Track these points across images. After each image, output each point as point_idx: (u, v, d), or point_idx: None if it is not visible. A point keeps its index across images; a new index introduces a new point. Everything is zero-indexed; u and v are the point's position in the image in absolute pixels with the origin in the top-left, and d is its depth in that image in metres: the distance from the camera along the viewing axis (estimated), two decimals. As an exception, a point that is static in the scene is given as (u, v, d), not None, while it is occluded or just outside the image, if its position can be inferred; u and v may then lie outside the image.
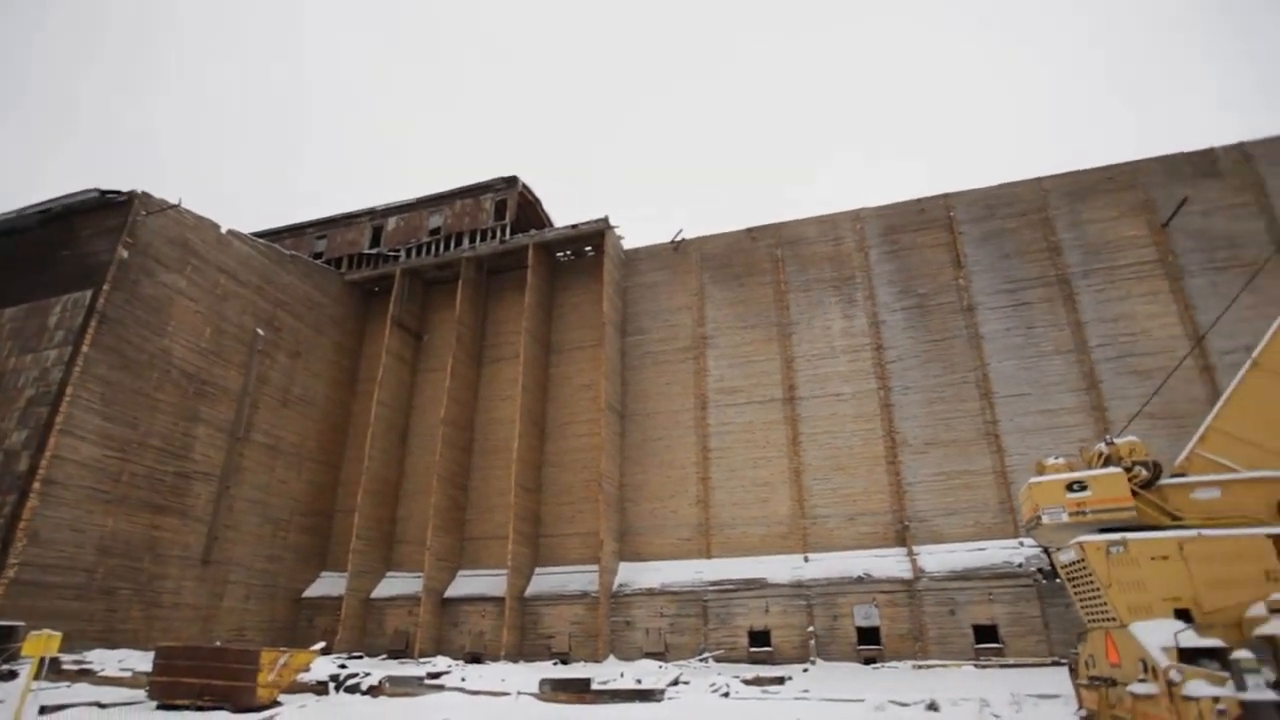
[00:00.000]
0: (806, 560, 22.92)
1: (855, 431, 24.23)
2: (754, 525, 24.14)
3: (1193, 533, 7.64)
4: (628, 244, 30.21)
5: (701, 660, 21.46)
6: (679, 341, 27.81)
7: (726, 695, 15.13)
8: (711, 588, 22.98)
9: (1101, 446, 8.95)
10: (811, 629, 21.44)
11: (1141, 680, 7.06)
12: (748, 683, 16.34)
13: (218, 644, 15.99)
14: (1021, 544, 20.84)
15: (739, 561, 23.59)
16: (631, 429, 27.02)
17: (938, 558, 21.63)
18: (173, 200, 23.56)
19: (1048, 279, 24.16)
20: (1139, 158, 24.81)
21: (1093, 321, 23.10)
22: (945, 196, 26.51)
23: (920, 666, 19.63)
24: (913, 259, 26.02)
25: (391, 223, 33.20)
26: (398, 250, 32.20)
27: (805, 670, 19.42)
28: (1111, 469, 8.44)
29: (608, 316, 27.31)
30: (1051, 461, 9.17)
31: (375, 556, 27.23)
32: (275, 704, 13.54)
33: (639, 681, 15.78)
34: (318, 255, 33.46)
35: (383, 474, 28.23)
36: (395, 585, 26.71)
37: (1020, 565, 20.44)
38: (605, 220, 28.63)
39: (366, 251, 32.81)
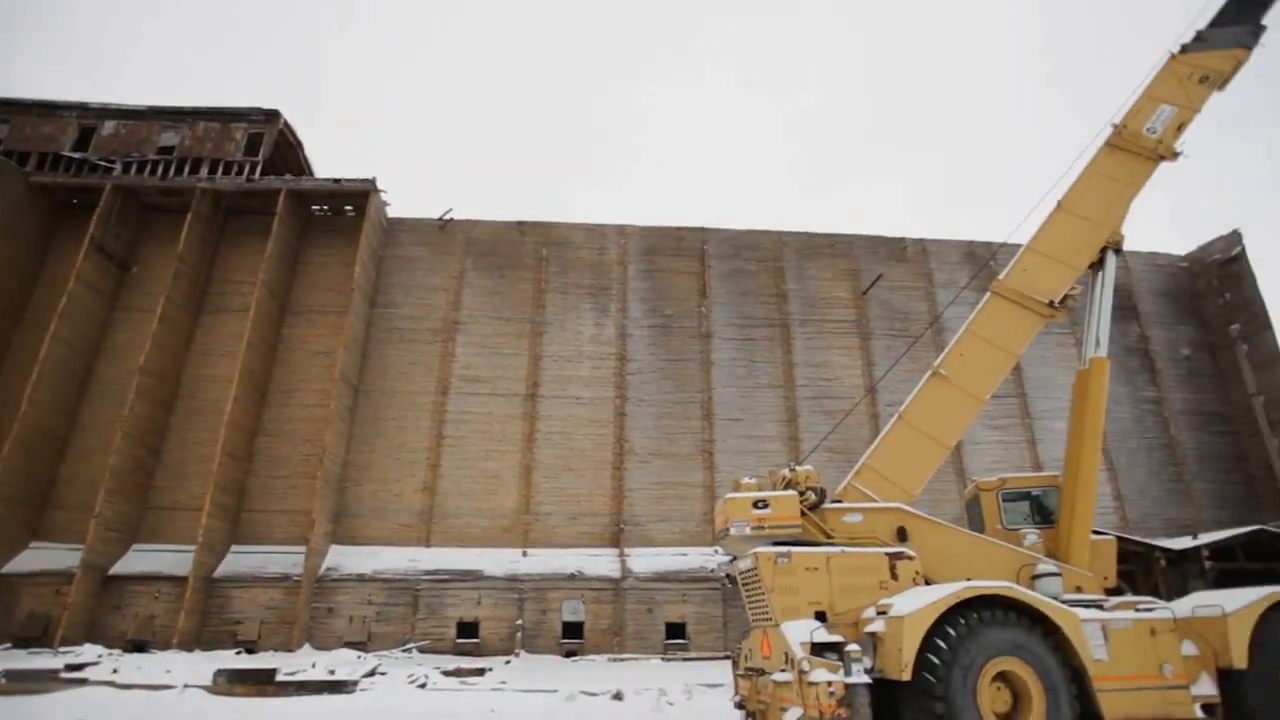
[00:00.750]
0: (525, 555, 23.44)
1: (588, 435, 25.37)
2: (478, 517, 24.15)
3: (838, 549, 9.20)
4: (392, 213, 28.65)
5: (405, 651, 20.92)
6: (430, 322, 26.96)
7: (424, 686, 14.96)
8: (426, 577, 22.52)
9: (785, 472, 10.42)
10: (520, 622, 21.95)
11: (783, 670, 8.31)
12: (448, 674, 16.29)
13: None
14: (717, 552, 23.33)
15: (458, 552, 23.42)
16: (365, 405, 25.58)
17: (645, 560, 23.40)
18: None
19: (772, 321, 27.52)
20: (854, 233, 29.35)
21: (801, 365, 26.80)
22: (703, 230, 28.95)
23: (616, 660, 21.07)
24: (665, 281, 28.01)
25: (108, 126, 27.93)
26: (113, 161, 27.15)
27: (508, 662, 19.84)
28: (789, 492, 9.86)
29: (358, 283, 25.63)
30: (746, 481, 10.43)
31: (17, 522, 22.55)
32: None
33: (332, 672, 15.00)
34: (-8, 144, 27.01)
35: (46, 423, 23.51)
36: (41, 558, 22.38)
37: (713, 571, 22.88)
38: (372, 182, 26.92)
39: (68, 154, 27.22)
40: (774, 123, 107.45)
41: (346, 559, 22.96)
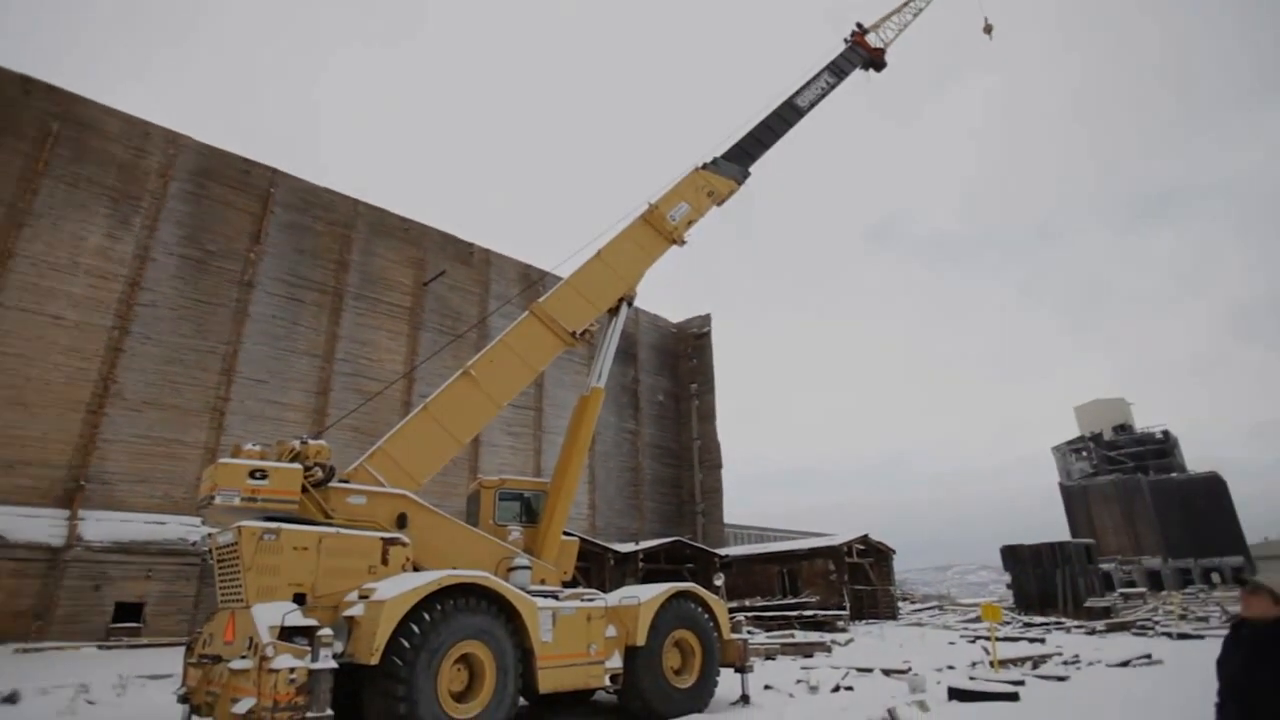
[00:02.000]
0: (-90, 509, 17.34)
1: (62, 365, 20.13)
2: None
3: (333, 530, 8.92)
4: None
5: None
6: None
7: None
8: None
9: (296, 443, 9.78)
10: (-125, 600, 16.06)
11: (243, 657, 7.66)
12: None
13: None
14: (204, 522, 20.60)
15: None
16: None
17: (107, 526, 19.39)
18: None
19: (326, 288, 25.71)
20: (429, 224, 29.44)
21: (346, 339, 25.55)
22: (274, 171, 25.76)
23: (29, 650, 16.83)
24: (215, 212, 24.05)
25: None
26: None
27: None
28: (294, 465, 9.27)
29: None
30: (248, 447, 9.45)
31: None
32: None
33: None
34: None
35: None
36: None
37: (194, 544, 20.10)
38: None
39: None
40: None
41: None
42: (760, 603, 28.29)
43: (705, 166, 14.55)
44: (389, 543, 9.18)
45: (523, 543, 11.14)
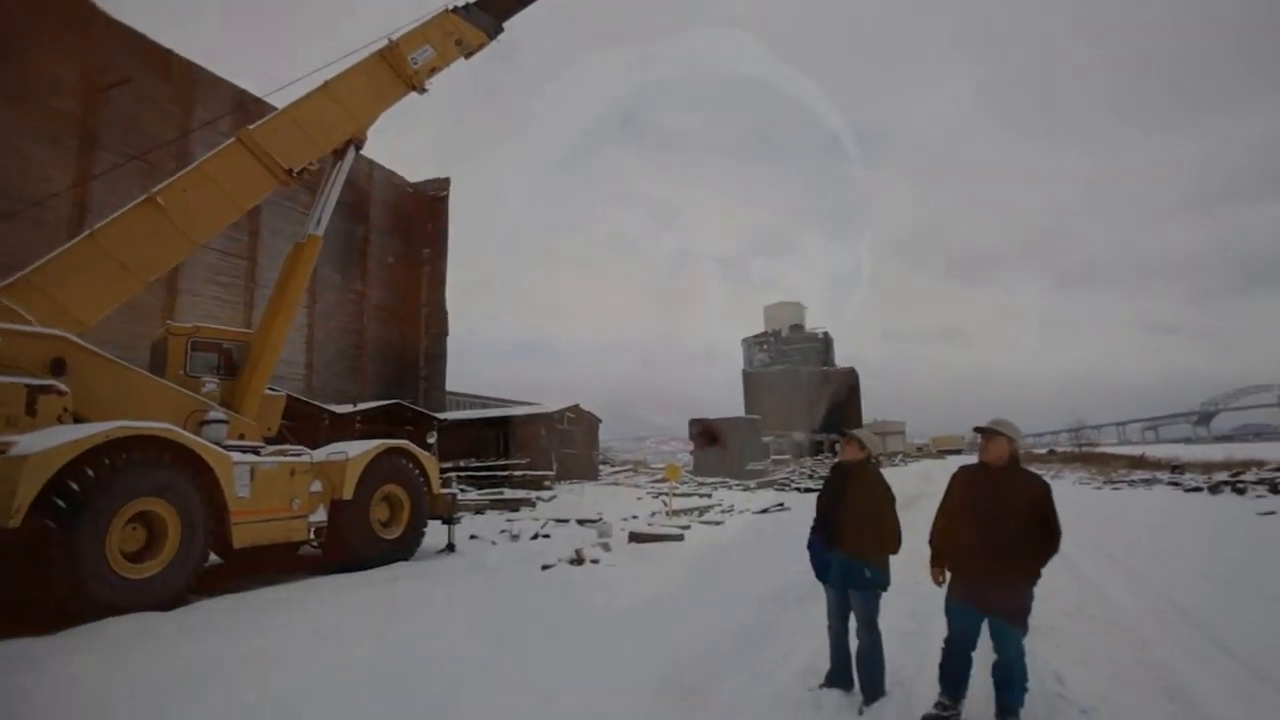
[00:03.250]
0: None
1: None
2: None
3: (-59, 375, 7.37)
4: None
5: None
6: None
7: None
8: None
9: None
10: None
11: None
12: None
13: None
14: None
15: None
16: None
17: None
18: None
19: (-59, 68, 19.19)
20: (111, 14, 22.93)
21: (-16, 146, 19.39)
22: None
23: None
24: None
25: None
26: None
27: None
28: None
29: None
30: None
31: None
32: None
33: None
34: None
35: None
36: None
37: None
38: None
39: None
40: None
41: None
42: (475, 464, 29.42)
43: (456, 10, 13.41)
44: (38, 390, 7.89)
45: (219, 396, 10.29)
